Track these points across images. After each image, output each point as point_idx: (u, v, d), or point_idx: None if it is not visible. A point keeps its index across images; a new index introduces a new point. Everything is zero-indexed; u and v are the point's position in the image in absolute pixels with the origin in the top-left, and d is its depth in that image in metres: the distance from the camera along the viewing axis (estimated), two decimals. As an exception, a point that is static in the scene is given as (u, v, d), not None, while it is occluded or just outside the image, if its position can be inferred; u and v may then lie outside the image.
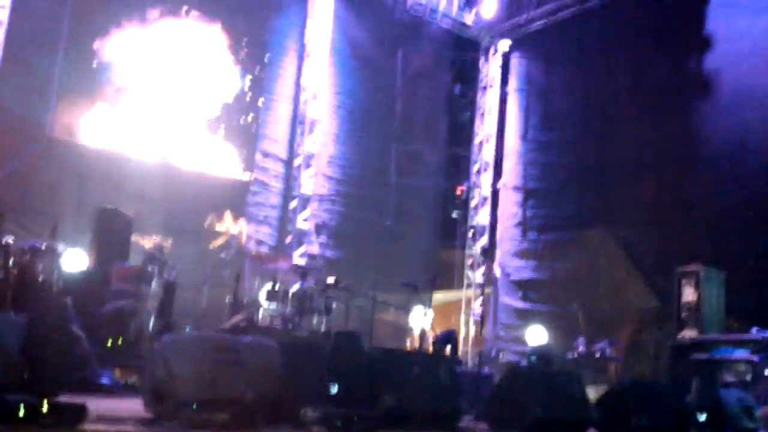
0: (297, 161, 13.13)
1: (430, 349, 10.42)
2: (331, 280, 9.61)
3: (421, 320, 11.52)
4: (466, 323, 14.25)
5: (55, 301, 6.47)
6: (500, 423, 6.24)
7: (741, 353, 8.37)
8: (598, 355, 10.31)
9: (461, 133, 15.36)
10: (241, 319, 8.59)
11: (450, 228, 14.96)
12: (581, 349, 10.46)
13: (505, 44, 15.08)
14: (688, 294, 9.47)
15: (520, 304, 13.60)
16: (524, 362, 10.98)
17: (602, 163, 12.57)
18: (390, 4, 13.93)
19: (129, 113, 11.32)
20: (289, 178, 13.10)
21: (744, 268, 9.78)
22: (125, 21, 11.26)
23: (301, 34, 13.52)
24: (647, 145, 11.80)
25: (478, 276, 14.70)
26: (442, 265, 14.78)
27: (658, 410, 6.44)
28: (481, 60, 15.39)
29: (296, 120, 13.30)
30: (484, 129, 15.21)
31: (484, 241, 14.81)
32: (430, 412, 5.89)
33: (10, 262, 7.10)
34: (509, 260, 14.05)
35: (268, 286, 9.61)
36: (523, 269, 13.73)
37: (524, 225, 13.89)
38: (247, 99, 12.64)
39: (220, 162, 12.23)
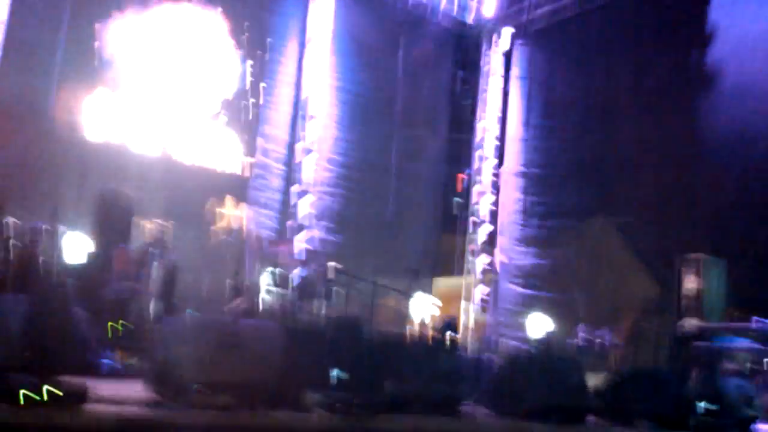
0: (299, 146, 13.10)
1: (431, 335, 10.45)
2: (332, 265, 9.63)
3: (422, 306, 11.54)
4: (467, 310, 14.27)
5: (57, 283, 6.47)
6: (500, 409, 6.26)
7: (742, 342, 8.39)
8: (598, 342, 10.33)
9: (463, 120, 15.32)
10: (242, 303, 8.60)
11: (451, 214, 14.95)
12: (582, 336, 10.48)
13: (508, 31, 15.01)
14: (690, 283, 9.49)
15: (521, 291, 13.61)
16: (528, 348, 11.00)
17: (604, 151, 12.54)
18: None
19: (130, 98, 11.27)
20: (291, 164, 13.07)
21: (745, 257, 9.78)
22: (126, 5, 11.19)
23: (303, 20, 13.45)
24: (650, 133, 11.76)
25: (479, 263, 14.70)
26: (443, 251, 14.80)
27: (658, 398, 6.45)
28: (484, 47, 15.31)
29: (298, 105, 13.26)
30: (487, 116, 15.16)
31: (486, 227, 14.80)
32: (431, 397, 5.90)
33: (11, 243, 7.10)
34: (511, 247, 14.04)
35: (270, 270, 9.62)
36: (524, 256, 13.73)
37: (526, 212, 13.88)
38: (249, 84, 12.59)
39: (222, 147, 12.20)
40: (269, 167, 12.84)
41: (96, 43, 10.90)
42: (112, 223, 9.06)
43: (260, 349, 5.29)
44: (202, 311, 8.41)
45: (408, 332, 11.21)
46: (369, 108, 13.87)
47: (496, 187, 14.87)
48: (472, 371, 7.35)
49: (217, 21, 12.25)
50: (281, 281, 9.65)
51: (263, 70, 12.81)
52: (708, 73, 11.40)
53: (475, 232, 14.85)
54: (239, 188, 11.83)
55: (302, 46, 13.38)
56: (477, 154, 15.08)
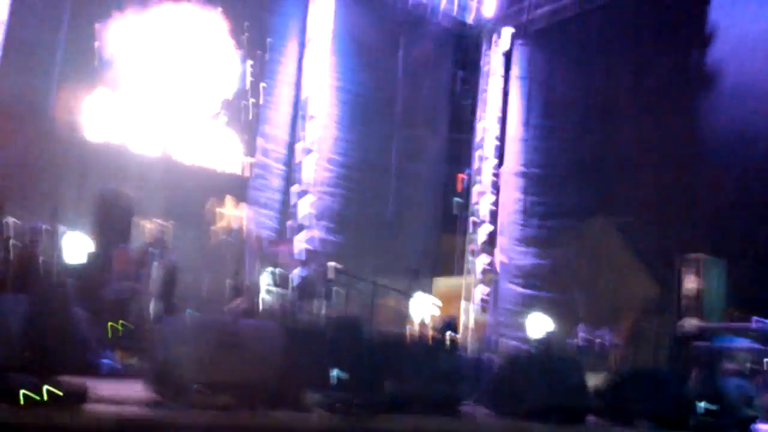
0: (299, 146, 13.10)
1: (431, 335, 10.45)
2: (332, 265, 9.64)
3: (422, 306, 11.55)
4: (467, 310, 14.27)
5: (57, 283, 6.47)
6: (500, 409, 6.26)
7: (742, 342, 8.39)
8: (598, 342, 10.34)
9: (463, 120, 15.32)
10: (242, 303, 8.61)
11: (451, 214, 14.95)
12: (582, 336, 10.49)
13: (508, 31, 15.01)
14: (690, 283, 9.49)
15: (521, 291, 13.61)
16: (528, 348, 11.01)
17: (604, 151, 12.54)
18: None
19: (129, 98, 11.27)
20: (291, 164, 13.07)
21: (745, 257, 9.78)
22: (126, 5, 11.19)
23: (303, 20, 13.46)
24: (650, 132, 11.76)
25: (479, 263, 14.70)
26: (443, 251, 14.80)
27: (658, 398, 6.45)
28: (484, 47, 15.31)
29: (298, 105, 13.26)
30: (486, 116, 15.16)
31: (485, 227, 14.80)
32: (431, 397, 5.90)
33: (11, 243, 7.10)
34: (511, 247, 14.05)
35: (270, 270, 9.63)
36: (524, 256, 13.73)
37: (526, 212, 13.89)
38: (249, 84, 12.59)
39: (222, 147, 12.20)
40: (269, 167, 12.84)
41: (96, 43, 10.90)
42: (112, 223, 9.06)
43: (260, 349, 5.29)
44: (202, 311, 8.42)
45: (408, 332, 11.21)
46: (369, 108, 13.87)
47: (496, 187, 14.87)
48: (472, 371, 7.35)
49: (217, 21, 12.26)
50: (281, 281, 9.66)
51: (263, 70, 12.81)
52: (708, 73, 11.40)
53: (475, 232, 14.86)
54: (239, 188, 11.83)
55: (302, 46, 13.39)
56: (477, 154, 15.08)
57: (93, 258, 8.66)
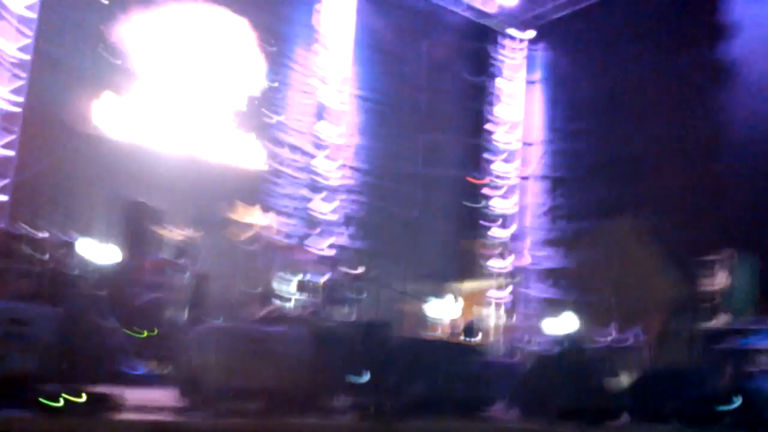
0: (322, 154, 13.18)
1: (455, 339, 10.45)
2: (359, 270, 9.68)
3: (445, 310, 11.54)
4: (490, 313, 14.23)
5: (90, 294, 6.58)
6: (530, 411, 6.26)
7: (772, 340, 8.29)
8: (628, 342, 10.25)
9: (484, 123, 15.29)
10: (272, 310, 8.68)
11: (473, 218, 14.92)
12: (612, 337, 10.41)
13: (529, 34, 15.00)
14: (720, 281, 9.39)
15: (548, 293, 13.55)
16: (553, 351, 10.95)
17: (630, 151, 12.44)
18: (412, -5, 13.90)
19: (146, 103, 11.30)
20: (314, 171, 13.14)
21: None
22: (132, 5, 11.26)
23: (323, 25, 13.54)
24: (675, 131, 11.67)
25: (502, 266, 14.65)
26: (466, 255, 14.77)
27: (689, 398, 6.41)
28: (505, 50, 15.30)
29: (320, 112, 13.34)
30: (509, 119, 15.14)
31: (510, 230, 14.76)
32: (460, 400, 5.92)
33: (46, 257, 7.24)
34: (536, 249, 14.00)
35: (299, 276, 9.70)
36: (550, 258, 13.67)
37: (551, 214, 13.83)
38: (270, 90, 12.69)
39: (244, 153, 12.29)
40: (294, 175, 12.91)
41: (119, 50, 10.98)
42: (140, 234, 9.17)
43: (290, 356, 5.35)
44: (232, 319, 8.50)
45: (433, 336, 11.22)
46: (390, 114, 13.90)
47: (518, 190, 14.83)
48: (497, 374, 7.36)
49: (239, 29, 12.36)
50: (307, 288, 9.71)
51: (285, 75, 12.90)
52: (732, 67, 11.29)
53: (497, 235, 14.82)
54: (264, 195, 11.92)
55: (323, 52, 13.46)
56: (499, 157, 15.05)
57: (122, 269, 8.77)
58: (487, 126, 15.12)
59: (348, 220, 13.24)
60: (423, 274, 11.66)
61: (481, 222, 14.83)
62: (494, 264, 14.69)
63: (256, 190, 11.92)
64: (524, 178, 14.83)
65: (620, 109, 12.85)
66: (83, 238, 8.51)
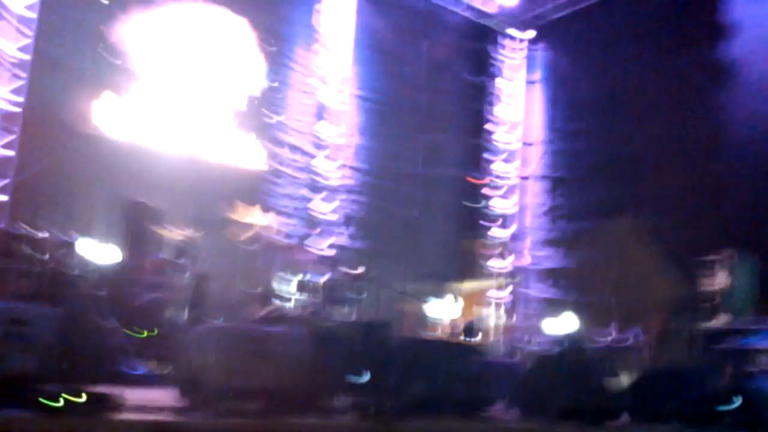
0: (322, 154, 13.18)
1: (459, 338, 10.45)
2: (359, 270, 9.69)
3: (445, 310, 11.55)
4: (493, 313, 14.24)
5: (90, 294, 6.59)
6: (530, 411, 6.26)
7: (772, 340, 8.30)
8: (628, 342, 10.26)
9: (484, 123, 15.30)
10: (272, 310, 8.69)
11: (473, 218, 14.93)
12: (612, 337, 10.42)
13: (529, 34, 15.01)
14: (720, 281, 9.40)
15: (548, 293, 13.56)
16: (553, 350, 10.96)
17: (630, 151, 12.45)
18: (412, -5, 13.90)
19: (146, 103, 11.29)
20: (313, 171, 13.15)
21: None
22: (131, 5, 11.25)
23: (323, 25, 13.55)
24: (675, 131, 11.67)
25: (502, 266, 14.66)
26: (466, 255, 14.77)
27: (689, 398, 6.41)
28: (505, 50, 15.31)
29: (320, 112, 13.35)
30: (509, 119, 15.14)
31: (510, 230, 14.77)
32: (460, 400, 5.92)
33: (46, 257, 7.24)
34: (536, 249, 14.01)
35: (299, 276, 9.70)
36: (550, 258, 13.68)
37: (551, 214, 13.84)
38: (270, 90, 12.69)
39: (244, 153, 12.30)
40: (294, 175, 12.91)
41: (119, 50, 10.99)
42: (140, 234, 9.17)
43: (290, 356, 5.35)
44: (232, 319, 8.50)
45: (433, 337, 11.22)
46: (390, 114, 13.90)
47: (518, 190, 14.84)
48: (497, 374, 7.36)
49: (238, 29, 12.37)
50: (307, 288, 9.72)
51: (285, 77, 12.91)
52: (733, 67, 11.29)
53: (497, 235, 14.83)
54: (263, 195, 11.93)
55: (323, 52, 13.47)
56: (499, 157, 15.06)
57: (123, 268, 8.78)
58: (487, 126, 15.12)
59: (348, 220, 13.24)
60: (423, 274, 11.66)
61: (481, 222, 14.83)
62: (494, 264, 14.70)
63: (256, 190, 11.92)
64: (524, 178, 14.85)
65: (620, 109, 12.85)
66: (83, 238, 8.51)
